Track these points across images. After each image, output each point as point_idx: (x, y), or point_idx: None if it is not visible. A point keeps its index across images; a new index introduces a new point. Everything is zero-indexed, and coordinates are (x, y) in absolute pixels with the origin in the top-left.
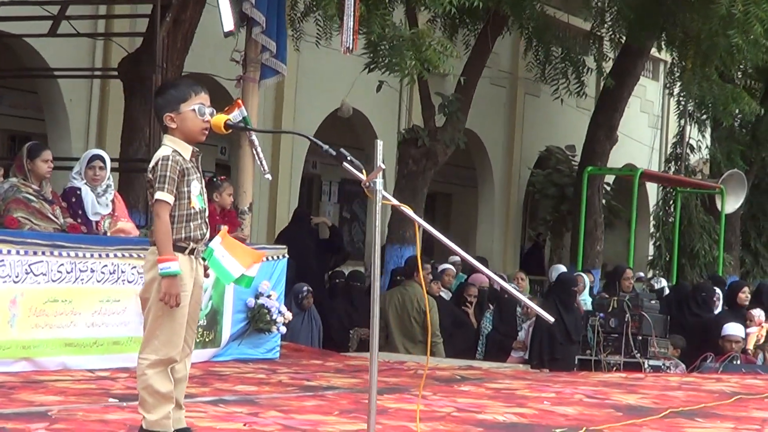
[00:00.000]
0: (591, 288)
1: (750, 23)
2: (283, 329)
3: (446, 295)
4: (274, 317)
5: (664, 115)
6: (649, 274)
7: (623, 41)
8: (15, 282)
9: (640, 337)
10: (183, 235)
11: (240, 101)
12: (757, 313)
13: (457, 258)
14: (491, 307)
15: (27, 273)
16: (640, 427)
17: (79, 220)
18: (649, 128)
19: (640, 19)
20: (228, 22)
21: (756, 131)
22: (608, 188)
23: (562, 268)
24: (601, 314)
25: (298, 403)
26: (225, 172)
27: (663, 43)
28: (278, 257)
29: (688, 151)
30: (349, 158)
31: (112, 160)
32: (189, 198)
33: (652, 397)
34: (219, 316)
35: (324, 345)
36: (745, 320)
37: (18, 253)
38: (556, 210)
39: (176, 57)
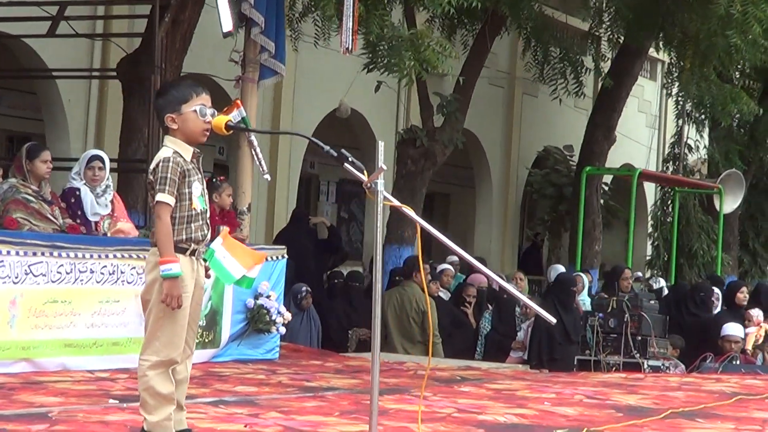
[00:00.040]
0: (589, 288)
1: (748, 23)
2: (283, 330)
3: (445, 295)
4: (273, 318)
5: (661, 115)
6: (647, 274)
7: (621, 41)
8: (14, 283)
9: (640, 338)
10: (184, 237)
11: (239, 102)
12: (756, 313)
13: (456, 258)
14: (490, 307)
15: (26, 274)
16: (640, 427)
17: (78, 221)
18: (646, 128)
19: (639, 19)
20: (227, 23)
21: (754, 131)
22: (606, 188)
23: (561, 269)
24: (601, 314)
25: (298, 404)
26: (223, 172)
27: (661, 43)
28: (277, 258)
29: (686, 151)
30: (350, 159)
31: (110, 160)
32: (190, 199)
33: (652, 398)
34: (218, 317)
35: (323, 345)
36: (744, 320)
37: (17, 253)
38: (554, 210)
39: (175, 57)
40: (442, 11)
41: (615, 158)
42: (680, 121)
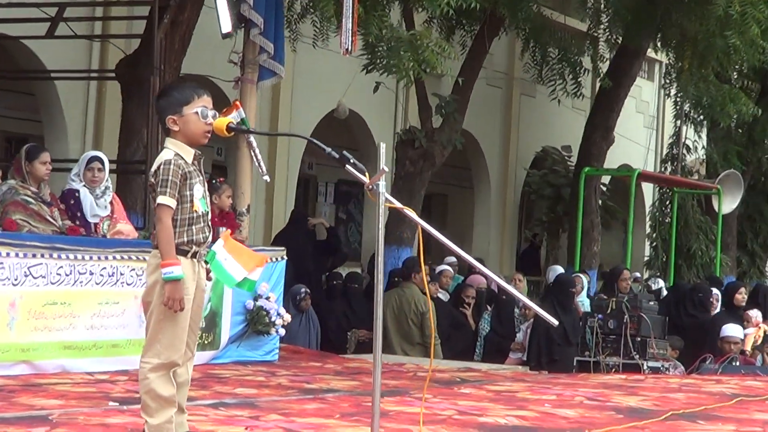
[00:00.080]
0: (588, 289)
1: (747, 24)
2: (282, 331)
3: (444, 296)
4: (273, 319)
5: (659, 115)
6: (645, 275)
7: (619, 42)
8: (14, 285)
9: (639, 339)
10: (185, 239)
11: (238, 103)
12: (754, 314)
13: (454, 259)
14: (489, 308)
15: (26, 275)
16: (641, 429)
17: (77, 222)
18: (644, 128)
19: (637, 19)
20: (226, 24)
21: (752, 132)
22: (604, 189)
23: (560, 270)
24: (600, 315)
25: (298, 406)
26: (221, 173)
27: (659, 43)
28: (277, 259)
29: (685, 151)
30: (352, 161)
31: (109, 161)
32: (191, 201)
33: (652, 399)
34: (218, 318)
35: (322, 347)
36: (742, 321)
37: (17, 255)
38: (552, 210)
39: (174, 59)
40: (441, 12)
41: (613, 159)
42: (678, 122)
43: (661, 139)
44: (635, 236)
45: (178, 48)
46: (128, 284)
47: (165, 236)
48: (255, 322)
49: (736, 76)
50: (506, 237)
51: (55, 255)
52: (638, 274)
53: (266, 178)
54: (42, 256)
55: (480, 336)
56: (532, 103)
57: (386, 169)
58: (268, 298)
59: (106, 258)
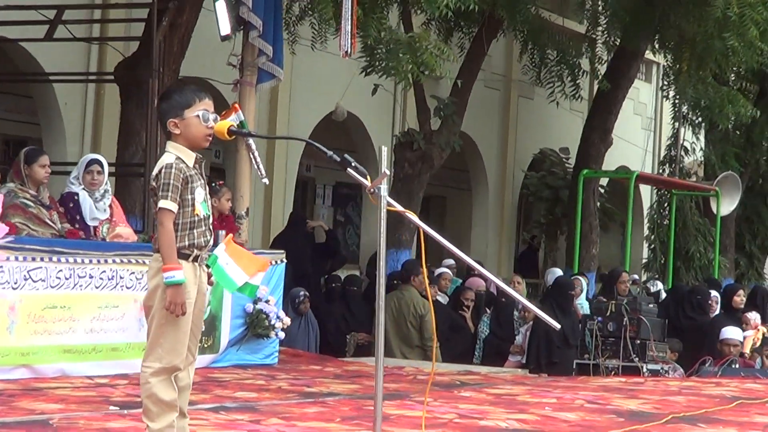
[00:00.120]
0: (586, 291)
1: (745, 26)
2: (282, 335)
3: (443, 299)
4: (272, 322)
5: (657, 117)
6: (644, 277)
7: (617, 44)
8: (14, 288)
9: (639, 341)
10: (187, 243)
11: (237, 105)
12: (753, 316)
13: (452, 261)
14: (488, 311)
15: (26, 279)
16: None
17: (77, 226)
18: (642, 130)
19: (635, 21)
20: (225, 26)
21: (750, 133)
22: (602, 191)
23: (558, 272)
24: (599, 318)
25: (299, 409)
26: (219, 175)
27: (657, 45)
28: (276, 262)
29: (683, 153)
30: (353, 164)
31: (108, 164)
32: (193, 205)
33: (653, 402)
34: (217, 322)
35: (321, 350)
36: (741, 324)
37: (17, 259)
38: (551, 213)
39: (173, 61)
40: (440, 14)
41: (610, 160)
42: (676, 124)
43: (659, 141)
44: (633, 238)
45: (176, 50)
46: (128, 288)
47: (166, 240)
48: (254, 326)
49: (733, 78)
50: (504, 239)
51: (54, 258)
52: (636, 276)
53: (265, 180)
54: (41, 259)
55: (479, 339)
56: (530, 105)
57: (387, 172)
58: (267, 302)
59: (106, 261)
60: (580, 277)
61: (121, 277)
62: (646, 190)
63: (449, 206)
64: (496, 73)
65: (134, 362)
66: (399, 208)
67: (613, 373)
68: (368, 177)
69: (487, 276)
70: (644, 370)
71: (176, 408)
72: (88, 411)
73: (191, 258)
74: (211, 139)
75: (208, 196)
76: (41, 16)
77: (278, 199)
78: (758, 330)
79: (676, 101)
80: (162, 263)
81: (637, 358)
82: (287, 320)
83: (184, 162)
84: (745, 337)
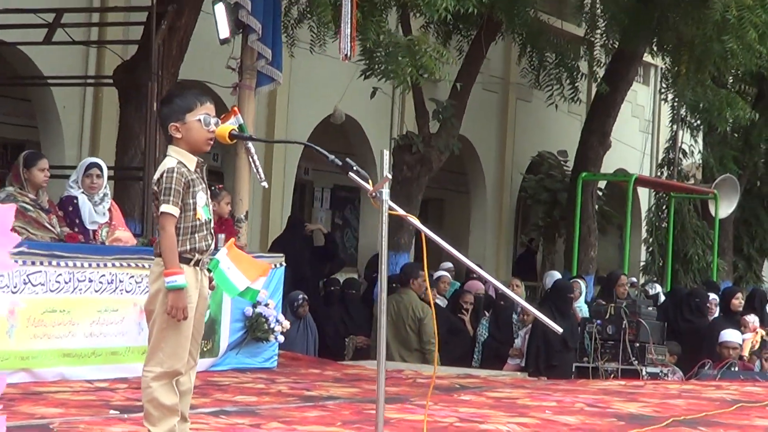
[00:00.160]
0: (585, 294)
1: (744, 28)
2: (281, 338)
3: (442, 302)
4: (271, 326)
5: (655, 119)
6: (642, 280)
7: (616, 46)
8: (13, 292)
9: (638, 344)
10: (188, 247)
11: (236, 108)
12: (752, 319)
13: (451, 265)
14: (487, 314)
15: (25, 283)
16: None
17: (76, 229)
18: (640, 133)
19: (634, 24)
20: (224, 30)
21: (749, 136)
22: (600, 193)
23: (557, 275)
24: (598, 321)
25: (299, 413)
26: (218, 179)
27: (655, 48)
28: (276, 266)
29: (681, 156)
30: (355, 168)
31: (107, 168)
32: (194, 209)
33: (653, 406)
34: (217, 326)
35: (320, 353)
36: (740, 326)
37: (16, 262)
38: (549, 215)
39: (171, 64)
40: (439, 17)
41: (608, 163)
42: (674, 126)
43: (657, 144)
44: (631, 241)
45: (175, 54)
46: (127, 291)
47: (168, 245)
48: (254, 329)
49: (731, 81)
50: (502, 242)
51: (54, 262)
52: (634, 279)
53: (264, 184)
54: (41, 263)
55: (478, 342)
56: (528, 108)
57: (389, 176)
58: (267, 305)
59: (105, 265)
60: (578, 280)
61: (120, 281)
62: (644, 193)
63: (447, 209)
64: (494, 76)
65: (134, 366)
66: (401, 212)
67: (612, 376)
68: (370, 181)
69: (489, 280)
70: (643, 373)
71: (178, 412)
72: (89, 415)
73: (193, 262)
74: (212, 143)
75: (210, 201)
76: (40, 19)
77: (276, 202)
78: (757, 333)
79: (675, 104)
80: (163, 267)
81: (636, 361)
82: (287, 324)
83: (185, 166)
84: (743, 340)
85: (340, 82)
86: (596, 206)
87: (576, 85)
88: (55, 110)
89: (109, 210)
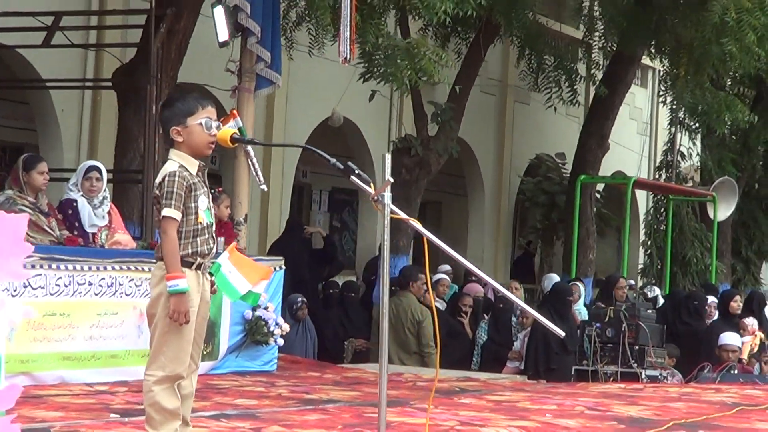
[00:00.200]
0: (583, 297)
1: (743, 31)
2: (281, 341)
3: (441, 305)
4: (271, 329)
5: (653, 122)
6: (640, 283)
7: (615, 49)
8: (13, 295)
9: (637, 347)
10: (190, 251)
11: (235, 111)
12: (750, 321)
13: (449, 267)
14: (486, 317)
15: (25, 287)
16: None
17: (75, 233)
18: (638, 135)
19: (632, 26)
20: (223, 33)
21: (747, 138)
22: (598, 196)
23: (555, 278)
24: (598, 324)
25: (299, 417)
26: (216, 181)
27: (654, 50)
28: (275, 269)
29: (679, 158)
30: (357, 172)
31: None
32: (196, 213)
33: (653, 409)
34: (216, 329)
35: (318, 356)
36: (738, 329)
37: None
38: (547, 218)
39: (170, 67)
40: (438, 20)
41: (606, 165)
42: (672, 129)
43: (654, 146)
44: (630, 244)
45: (174, 57)
46: (127, 295)
47: (170, 249)
48: (254, 332)
49: (730, 83)
50: (500, 244)
51: (53, 266)
52: (632, 282)
53: (263, 187)
54: (41, 266)
55: (477, 344)
56: (526, 111)
57: (391, 180)
58: (266, 308)
59: (105, 268)
60: (577, 283)
61: (120, 284)
62: (642, 196)
63: (445, 211)
64: (492, 79)
65: (133, 369)
66: (403, 216)
67: (611, 379)
68: (372, 184)
69: (491, 283)
70: (643, 376)
71: (179, 416)
72: (89, 419)
73: (194, 266)
74: (214, 146)
75: (211, 204)
76: (39, 22)
77: (275, 205)
78: (755, 336)
79: (674, 106)
80: (165, 271)
81: (635, 364)
82: (286, 327)
83: (187, 170)
84: (742, 343)
85: (339, 85)
86: (594, 209)
87: (575, 87)
88: (54, 113)
89: (109, 213)
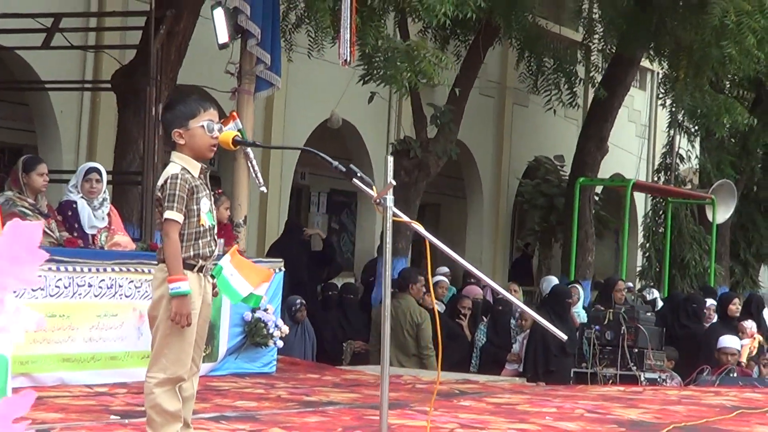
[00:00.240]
0: (582, 299)
1: (743, 34)
2: (280, 343)
3: (439, 307)
4: (270, 331)
5: (651, 124)
6: (639, 285)
7: (614, 51)
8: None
9: (636, 350)
10: (192, 253)
11: (235, 113)
12: (749, 324)
13: (447, 269)
14: (485, 319)
15: (24, 288)
16: None
17: (75, 234)
18: (636, 138)
19: (631, 29)
20: (223, 34)
21: (746, 141)
22: (597, 198)
23: (554, 280)
24: (597, 326)
25: (299, 419)
26: (215, 183)
27: (653, 53)
28: (275, 270)
29: (678, 161)
30: (359, 174)
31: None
32: (198, 216)
33: (653, 412)
34: (216, 330)
35: (317, 358)
36: (737, 332)
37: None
38: (545, 220)
39: (170, 69)
40: (438, 22)
41: (605, 168)
42: (671, 131)
43: (653, 149)
44: (628, 246)
45: (174, 58)
46: (126, 296)
47: (172, 251)
48: (253, 334)
49: (729, 86)
50: (499, 246)
51: (53, 267)
52: (630, 284)
53: (263, 189)
54: (40, 268)
55: (476, 347)
56: (525, 113)
57: (394, 182)
58: (266, 310)
59: (105, 270)
60: (577, 286)
61: (120, 286)
62: (640, 198)
63: (444, 214)
64: (491, 81)
65: (133, 371)
66: (405, 218)
67: (610, 381)
68: (374, 187)
69: (492, 286)
70: (642, 378)
71: (180, 418)
72: (89, 420)
73: (196, 268)
74: (215, 149)
75: (213, 207)
76: (38, 24)
77: (273, 206)
78: (754, 339)
79: (673, 109)
80: (167, 274)
81: (634, 367)
82: (285, 329)
83: (189, 172)
84: (741, 346)
85: (338, 87)
86: (593, 211)
87: (574, 90)
88: (53, 115)
89: (108, 215)
